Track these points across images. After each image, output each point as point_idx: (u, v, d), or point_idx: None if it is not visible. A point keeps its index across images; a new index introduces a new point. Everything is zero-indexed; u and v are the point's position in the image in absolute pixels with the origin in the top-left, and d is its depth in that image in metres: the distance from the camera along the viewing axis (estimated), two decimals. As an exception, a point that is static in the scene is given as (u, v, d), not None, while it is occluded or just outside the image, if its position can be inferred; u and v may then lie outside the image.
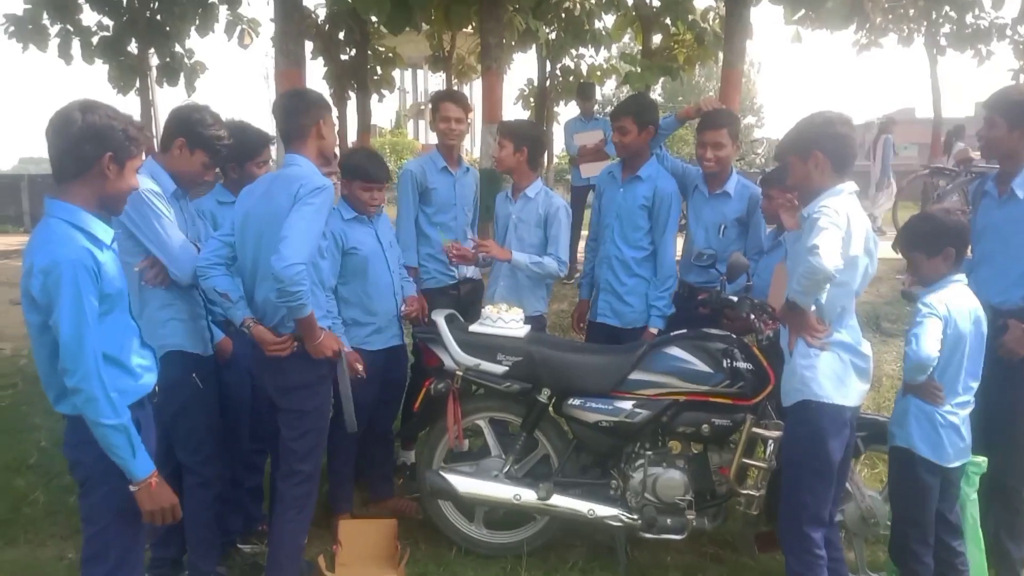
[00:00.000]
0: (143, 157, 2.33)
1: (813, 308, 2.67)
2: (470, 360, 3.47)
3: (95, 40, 11.87)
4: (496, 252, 3.92)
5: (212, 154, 3.06)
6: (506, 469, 3.52)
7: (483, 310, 3.66)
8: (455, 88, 16.63)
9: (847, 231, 2.57)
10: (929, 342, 2.76)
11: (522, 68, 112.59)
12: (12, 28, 11.27)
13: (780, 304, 3.05)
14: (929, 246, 2.91)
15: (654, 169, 3.98)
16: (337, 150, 4.25)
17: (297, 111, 2.97)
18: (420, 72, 28.91)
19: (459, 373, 3.46)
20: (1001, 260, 3.21)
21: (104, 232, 2.23)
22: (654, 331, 3.84)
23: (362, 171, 3.60)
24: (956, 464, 2.93)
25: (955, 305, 2.85)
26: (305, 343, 2.91)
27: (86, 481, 2.30)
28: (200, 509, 3.07)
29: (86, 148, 2.14)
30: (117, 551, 2.30)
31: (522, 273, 3.96)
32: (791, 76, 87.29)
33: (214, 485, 3.13)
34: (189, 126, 2.98)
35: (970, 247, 3.17)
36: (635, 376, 3.40)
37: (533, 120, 12.77)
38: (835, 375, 2.70)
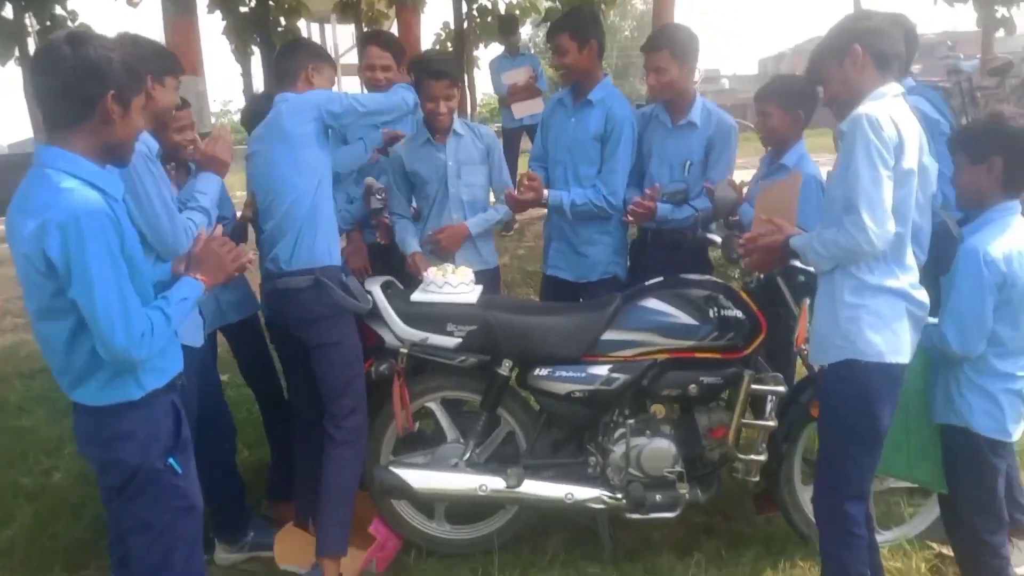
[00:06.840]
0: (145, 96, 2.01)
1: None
2: (416, 334, 2.95)
3: (-37, 8, 10.65)
4: (452, 241, 3.40)
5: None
6: (466, 456, 3.03)
7: (425, 274, 3.13)
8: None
9: (898, 140, 2.11)
10: (983, 310, 2.33)
11: (437, 10, 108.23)
12: None
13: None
14: (974, 149, 2.45)
15: (607, 92, 3.50)
16: None
17: (287, 54, 3.05)
18: (328, 26, 27.61)
19: (403, 351, 2.95)
20: None
21: (114, 186, 1.95)
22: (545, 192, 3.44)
23: None
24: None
25: (1014, 252, 2.34)
26: None
27: (130, 481, 1.99)
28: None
29: (83, 88, 1.85)
30: (182, 553, 2.07)
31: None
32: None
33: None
34: (166, 59, 2.71)
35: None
36: (609, 336, 2.95)
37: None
38: (888, 328, 2.22)
